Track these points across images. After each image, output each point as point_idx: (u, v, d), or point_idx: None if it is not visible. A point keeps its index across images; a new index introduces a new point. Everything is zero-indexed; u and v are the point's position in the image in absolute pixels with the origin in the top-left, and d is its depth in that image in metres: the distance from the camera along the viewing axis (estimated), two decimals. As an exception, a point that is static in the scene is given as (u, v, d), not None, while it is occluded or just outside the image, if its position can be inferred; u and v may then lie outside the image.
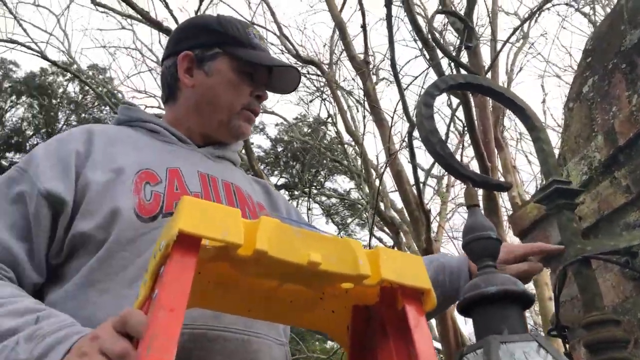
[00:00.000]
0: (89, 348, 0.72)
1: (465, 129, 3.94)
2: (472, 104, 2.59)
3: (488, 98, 3.36)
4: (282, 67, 1.26)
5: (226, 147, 1.25)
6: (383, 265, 0.72)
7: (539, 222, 1.57)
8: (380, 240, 7.59)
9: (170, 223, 0.65)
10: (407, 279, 0.73)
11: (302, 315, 0.84)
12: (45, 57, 7.39)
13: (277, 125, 12.42)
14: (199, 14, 5.33)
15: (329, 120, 7.86)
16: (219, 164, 1.21)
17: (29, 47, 7.10)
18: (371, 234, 5.10)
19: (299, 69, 1.29)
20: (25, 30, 7.17)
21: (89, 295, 0.94)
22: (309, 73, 7.29)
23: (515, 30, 4.18)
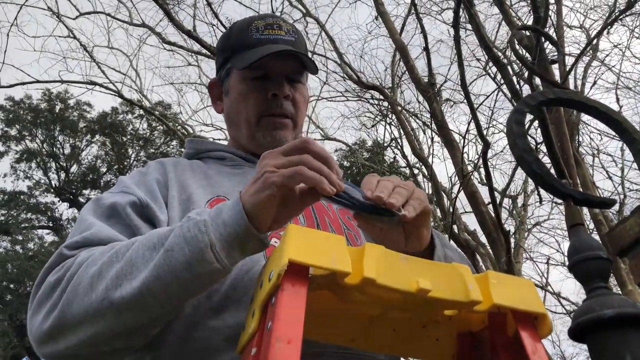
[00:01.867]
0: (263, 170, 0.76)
1: (539, 146, 3.81)
2: (549, 120, 2.51)
3: (563, 114, 3.24)
4: (284, 52, 1.09)
5: None
6: (493, 290, 0.70)
7: None
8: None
9: (278, 252, 0.65)
10: (520, 303, 0.70)
11: (406, 344, 0.81)
12: (122, 97, 7.81)
13: (336, 151, 12.46)
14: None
15: (392, 144, 7.82)
16: None
17: (107, 88, 7.52)
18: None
19: (310, 56, 1.14)
20: (103, 72, 7.63)
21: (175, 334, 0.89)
22: (372, 97, 7.32)
23: (588, 44, 4.02)
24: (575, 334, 0.82)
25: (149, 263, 0.76)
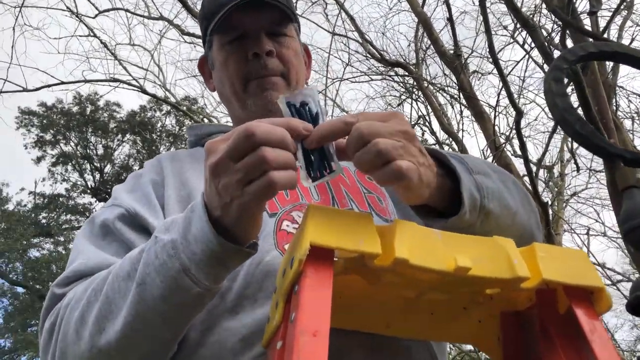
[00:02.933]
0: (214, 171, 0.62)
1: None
2: (585, 84, 2.37)
3: (599, 76, 3.07)
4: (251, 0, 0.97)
5: None
6: (542, 264, 0.62)
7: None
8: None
9: (298, 236, 0.59)
10: (573, 277, 0.63)
11: (446, 328, 0.75)
12: (145, 92, 7.83)
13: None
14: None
15: (420, 121, 7.67)
16: None
17: (129, 84, 7.57)
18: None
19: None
20: (125, 69, 7.70)
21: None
22: (396, 75, 7.16)
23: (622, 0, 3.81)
24: (635, 307, 0.75)
25: (126, 298, 0.70)
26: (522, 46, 4.25)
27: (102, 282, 0.74)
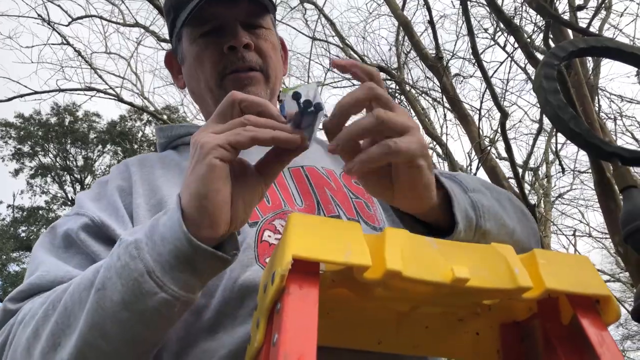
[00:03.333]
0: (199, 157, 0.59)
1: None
2: (569, 83, 2.36)
3: (583, 76, 3.07)
4: None
5: None
6: (544, 271, 0.58)
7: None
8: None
9: (280, 249, 0.54)
10: (577, 285, 0.58)
11: (442, 342, 0.70)
12: (122, 100, 7.69)
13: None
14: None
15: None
16: None
17: (106, 93, 7.43)
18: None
19: None
20: (101, 77, 7.57)
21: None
22: (379, 80, 7.11)
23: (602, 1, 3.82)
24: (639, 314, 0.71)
25: (84, 309, 0.62)
26: (503, 48, 4.25)
27: (62, 294, 0.67)
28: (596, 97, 4.35)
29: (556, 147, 5.31)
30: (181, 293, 0.61)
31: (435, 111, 6.94)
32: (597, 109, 4.53)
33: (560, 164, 4.82)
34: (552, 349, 0.61)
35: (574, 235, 5.91)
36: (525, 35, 3.49)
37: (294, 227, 0.53)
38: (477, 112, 4.05)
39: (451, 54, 5.57)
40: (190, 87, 1.00)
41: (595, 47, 0.98)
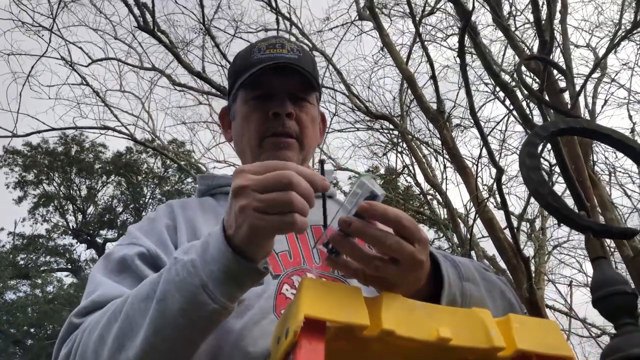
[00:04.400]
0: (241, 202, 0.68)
1: (553, 168, 3.78)
2: (561, 143, 2.49)
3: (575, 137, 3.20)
4: (281, 63, 1.05)
5: None
6: (517, 334, 0.68)
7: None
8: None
9: (293, 308, 0.64)
10: (545, 347, 0.68)
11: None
12: (135, 140, 7.91)
13: (349, 178, 12.47)
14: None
15: (404, 171, 7.81)
16: None
17: (120, 132, 7.63)
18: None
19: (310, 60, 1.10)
20: (116, 117, 7.74)
21: None
22: (382, 127, 7.34)
23: (596, 65, 4.01)
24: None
25: (145, 316, 0.74)
26: (503, 103, 4.42)
27: (122, 304, 0.78)
28: (591, 153, 4.50)
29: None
30: (227, 303, 0.72)
31: (436, 159, 7.12)
32: (592, 163, 4.66)
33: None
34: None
35: (570, 285, 5.97)
36: (524, 93, 3.67)
37: (307, 290, 0.63)
38: (476, 164, 4.22)
39: (453, 103, 5.77)
40: (235, 140, 1.14)
41: (574, 128, 1.10)
